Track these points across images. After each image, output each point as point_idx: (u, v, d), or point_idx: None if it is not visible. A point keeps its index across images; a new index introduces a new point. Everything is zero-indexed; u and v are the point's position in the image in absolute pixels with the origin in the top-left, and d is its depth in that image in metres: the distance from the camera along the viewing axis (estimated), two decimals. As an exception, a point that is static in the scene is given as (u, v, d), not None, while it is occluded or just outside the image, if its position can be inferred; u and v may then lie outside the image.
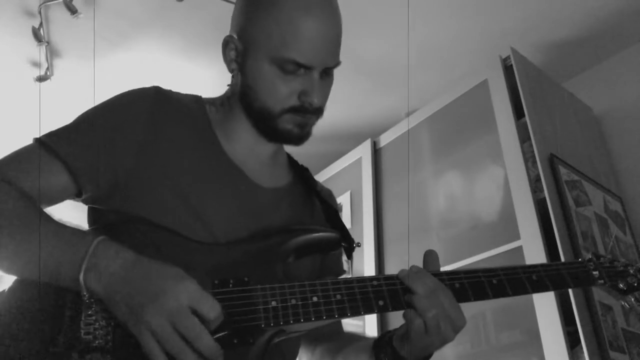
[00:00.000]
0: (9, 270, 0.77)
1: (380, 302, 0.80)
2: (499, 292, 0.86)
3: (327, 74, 0.93)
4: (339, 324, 1.08)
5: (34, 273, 0.75)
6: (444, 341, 0.80)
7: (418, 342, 0.79)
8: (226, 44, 0.95)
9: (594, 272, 0.97)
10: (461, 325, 0.80)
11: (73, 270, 0.72)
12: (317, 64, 0.89)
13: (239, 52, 0.93)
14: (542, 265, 0.93)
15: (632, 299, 1.00)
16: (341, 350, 1.00)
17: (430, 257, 0.87)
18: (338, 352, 1.00)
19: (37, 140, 0.86)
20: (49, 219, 0.79)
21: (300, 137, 0.94)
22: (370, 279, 0.83)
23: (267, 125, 0.93)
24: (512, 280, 0.88)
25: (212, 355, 0.68)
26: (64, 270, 0.72)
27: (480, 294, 0.85)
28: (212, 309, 0.69)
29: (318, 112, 0.93)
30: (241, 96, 0.95)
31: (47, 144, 0.85)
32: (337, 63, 0.94)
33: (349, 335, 1.05)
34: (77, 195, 0.87)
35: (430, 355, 0.85)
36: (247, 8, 0.93)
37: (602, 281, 0.97)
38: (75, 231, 0.77)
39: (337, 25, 0.92)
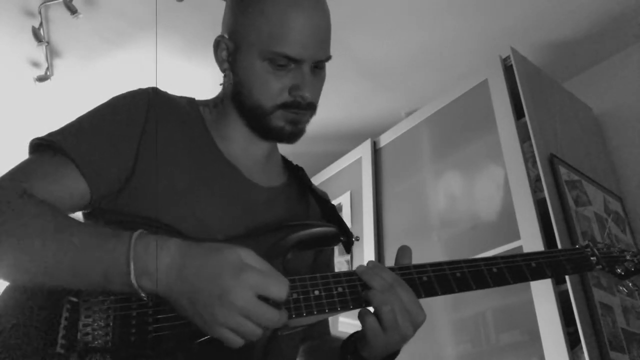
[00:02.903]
0: (53, 283, 0.73)
1: None
2: (492, 281, 0.85)
3: (318, 68, 0.93)
4: (327, 326, 1.08)
5: (83, 285, 0.73)
6: (403, 338, 0.78)
7: (375, 340, 0.78)
8: (217, 44, 0.96)
9: (592, 258, 0.98)
10: (421, 320, 0.79)
11: (122, 276, 0.69)
12: (307, 57, 0.89)
13: (230, 51, 0.94)
14: (540, 252, 0.93)
15: (630, 284, 1.02)
16: (317, 351, 1.00)
17: (402, 252, 0.87)
18: (314, 352, 1.00)
19: (46, 145, 0.83)
20: (79, 225, 0.76)
21: (292, 134, 0.94)
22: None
23: (260, 123, 0.93)
24: (511, 269, 0.88)
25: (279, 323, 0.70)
26: (113, 278, 0.70)
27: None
28: (280, 290, 0.69)
29: (310, 107, 0.93)
30: (233, 95, 0.95)
31: (62, 149, 0.82)
32: (328, 57, 0.94)
33: (332, 338, 1.05)
34: (89, 203, 0.84)
35: (395, 353, 0.83)
36: (236, 7, 0.94)
37: (600, 266, 0.98)
38: (108, 234, 0.73)
39: (326, 18, 0.93)
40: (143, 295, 0.70)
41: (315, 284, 0.79)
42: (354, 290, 0.79)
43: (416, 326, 0.79)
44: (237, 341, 0.68)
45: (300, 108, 0.91)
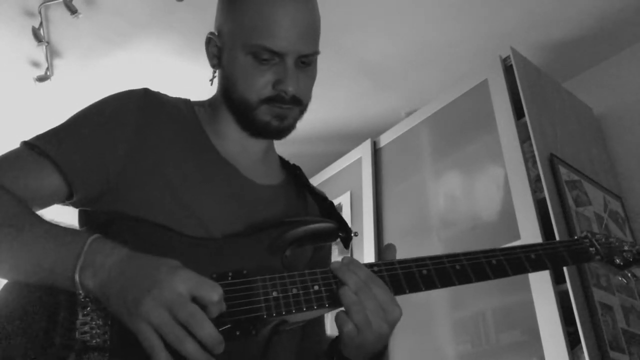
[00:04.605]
0: (2, 274, 0.76)
1: None
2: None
3: (305, 64, 0.92)
4: (323, 326, 1.07)
5: (29, 275, 0.74)
6: (379, 336, 0.76)
7: (351, 341, 0.77)
8: (208, 41, 0.98)
9: (591, 249, 0.98)
10: (396, 317, 0.77)
11: (68, 269, 0.71)
12: (288, 50, 0.88)
13: (219, 47, 0.95)
14: (539, 244, 0.93)
15: (629, 274, 1.02)
16: (310, 353, 0.99)
17: (386, 249, 0.88)
18: (307, 354, 0.99)
19: (25, 143, 0.85)
20: (41, 220, 0.77)
21: (279, 130, 0.93)
22: (370, 265, 0.83)
23: (246, 118, 0.93)
24: (511, 261, 0.88)
25: (213, 344, 0.66)
26: (59, 269, 0.71)
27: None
28: (213, 291, 0.68)
29: (296, 102, 0.91)
30: (223, 91, 0.96)
31: (37, 145, 0.84)
32: (314, 52, 0.93)
33: (326, 339, 1.03)
34: (68, 198, 0.86)
35: (379, 353, 0.82)
36: (222, 2, 0.96)
37: (599, 257, 0.98)
38: (69, 230, 0.76)
39: (310, 11, 0.92)
40: (80, 292, 0.71)
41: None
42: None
43: (391, 324, 0.78)
44: (153, 342, 0.65)
45: (284, 102, 0.90)
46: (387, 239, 2.43)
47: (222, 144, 0.95)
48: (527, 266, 0.88)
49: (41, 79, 2.56)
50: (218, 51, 0.96)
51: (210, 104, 1.01)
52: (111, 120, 0.88)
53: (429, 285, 0.82)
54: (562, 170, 1.97)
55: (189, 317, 0.66)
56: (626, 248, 1.02)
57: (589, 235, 1.01)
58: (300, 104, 0.93)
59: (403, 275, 0.82)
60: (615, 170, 2.40)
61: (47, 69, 2.56)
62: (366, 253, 2.44)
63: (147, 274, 0.69)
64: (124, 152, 0.86)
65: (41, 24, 2.34)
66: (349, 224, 2.63)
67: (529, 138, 1.99)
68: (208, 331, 0.66)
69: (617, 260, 0.99)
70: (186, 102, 1.00)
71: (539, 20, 2.38)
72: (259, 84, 0.89)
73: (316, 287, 0.78)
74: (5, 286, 0.77)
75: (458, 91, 2.37)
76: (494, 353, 1.88)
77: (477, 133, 2.23)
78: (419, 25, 2.42)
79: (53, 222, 0.77)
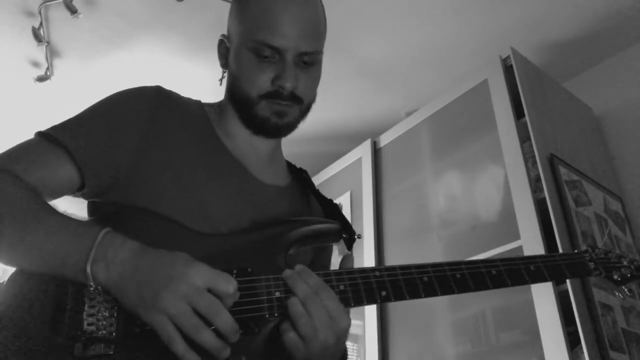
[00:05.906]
0: (13, 263, 0.77)
1: (383, 293, 0.81)
2: (463, 285, 0.86)
3: (307, 63, 0.93)
4: None
5: (39, 265, 0.75)
6: (325, 347, 0.75)
7: (297, 352, 0.76)
8: (220, 42, 1.01)
9: (590, 263, 1.00)
10: (343, 326, 0.77)
11: (80, 261, 0.72)
12: (287, 46, 0.90)
13: (228, 48, 0.98)
14: (539, 256, 0.95)
15: (626, 290, 1.03)
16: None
17: (345, 260, 0.88)
18: None
19: (40, 133, 0.86)
20: (54, 210, 0.78)
21: (278, 126, 0.94)
22: (372, 269, 0.83)
23: (247, 114, 0.95)
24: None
25: (231, 332, 0.69)
26: (71, 261, 0.72)
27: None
28: (228, 282, 0.71)
29: (294, 99, 0.92)
30: (228, 89, 0.99)
31: (52, 135, 0.85)
32: (315, 50, 0.94)
33: None
34: (79, 188, 0.87)
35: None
36: (232, 5, 0.99)
37: (597, 272, 1.00)
38: (81, 223, 0.77)
39: (312, 10, 0.94)
40: (92, 283, 0.71)
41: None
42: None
43: (338, 334, 0.77)
44: (171, 333, 0.67)
45: (282, 98, 0.91)
46: (387, 239, 2.43)
47: (232, 143, 0.97)
48: (527, 277, 0.90)
49: (41, 79, 2.57)
50: (226, 52, 0.99)
51: (219, 105, 1.03)
52: (124, 114, 0.89)
53: (429, 292, 0.83)
54: (562, 170, 1.97)
55: (208, 307, 0.68)
56: (625, 264, 1.03)
57: (589, 249, 1.02)
58: (300, 102, 0.94)
59: (404, 281, 0.83)
60: (615, 170, 2.40)
61: (47, 69, 2.56)
62: (366, 253, 2.44)
63: (163, 268, 0.70)
64: (135, 145, 0.87)
65: (41, 24, 2.35)
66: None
67: (529, 138, 1.99)
68: (226, 319, 0.69)
69: (615, 276, 1.01)
70: (197, 102, 1.02)
71: (539, 20, 2.38)
72: (259, 80, 0.91)
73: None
74: (12, 276, 0.77)
75: (458, 91, 2.37)
76: (494, 353, 1.88)
77: (477, 133, 2.23)
78: (419, 26, 2.43)
79: (65, 213, 0.78)
